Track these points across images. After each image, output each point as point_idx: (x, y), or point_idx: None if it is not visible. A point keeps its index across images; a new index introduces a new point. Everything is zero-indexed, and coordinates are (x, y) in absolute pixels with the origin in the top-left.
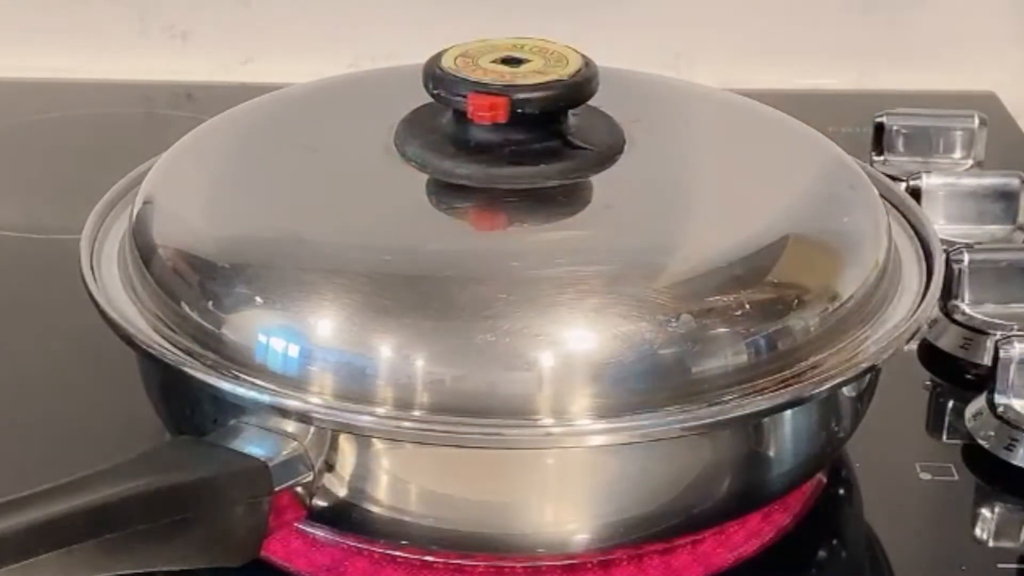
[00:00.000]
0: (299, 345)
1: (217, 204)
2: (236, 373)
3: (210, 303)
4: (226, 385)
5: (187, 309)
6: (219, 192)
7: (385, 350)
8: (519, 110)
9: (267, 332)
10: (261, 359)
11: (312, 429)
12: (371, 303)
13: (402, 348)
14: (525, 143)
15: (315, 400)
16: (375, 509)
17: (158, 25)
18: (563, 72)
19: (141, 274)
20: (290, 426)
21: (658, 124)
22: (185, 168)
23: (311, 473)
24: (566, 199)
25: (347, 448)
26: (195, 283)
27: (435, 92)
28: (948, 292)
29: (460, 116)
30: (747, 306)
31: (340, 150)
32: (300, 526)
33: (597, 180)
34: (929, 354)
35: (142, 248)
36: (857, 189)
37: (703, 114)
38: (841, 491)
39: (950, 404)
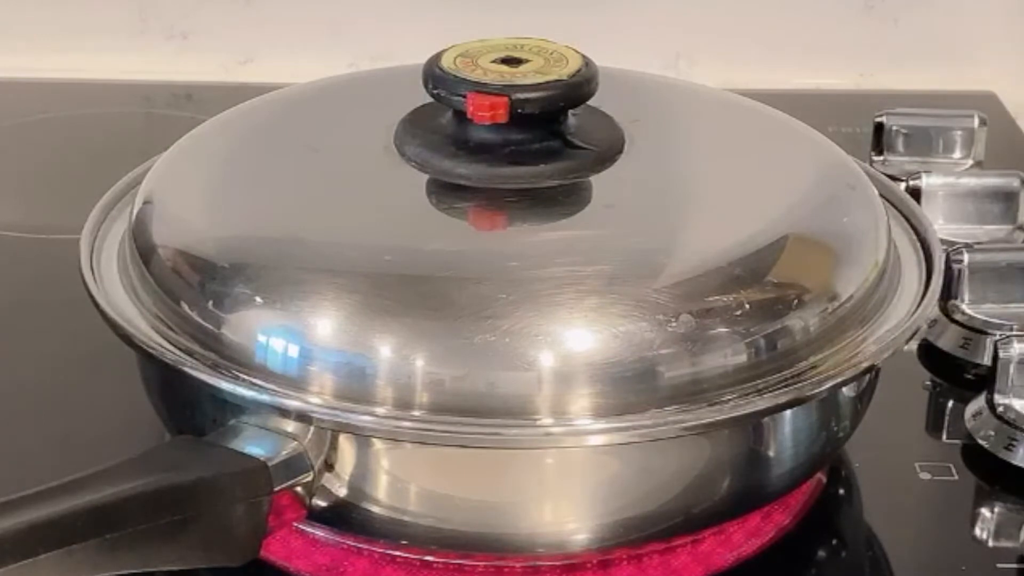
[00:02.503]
0: (299, 345)
1: (217, 204)
2: (236, 373)
3: (210, 303)
4: (225, 385)
5: (187, 309)
6: (219, 192)
7: (385, 350)
8: (519, 110)
9: (267, 332)
10: (261, 359)
11: (312, 429)
12: (371, 303)
13: (402, 348)
14: (525, 143)
15: (315, 400)
16: (375, 509)
17: (158, 25)
18: (563, 72)
19: (141, 274)
20: (290, 426)
21: (658, 124)
22: (185, 168)
23: (311, 473)
24: (566, 199)
25: (347, 448)
26: (195, 283)
27: (435, 92)
28: (948, 292)
29: (460, 116)
30: (747, 306)
31: (340, 150)
32: (300, 526)
33: (597, 180)
34: (929, 354)
35: (142, 248)
36: (857, 189)
37: (703, 114)
38: (841, 491)
39: (950, 404)
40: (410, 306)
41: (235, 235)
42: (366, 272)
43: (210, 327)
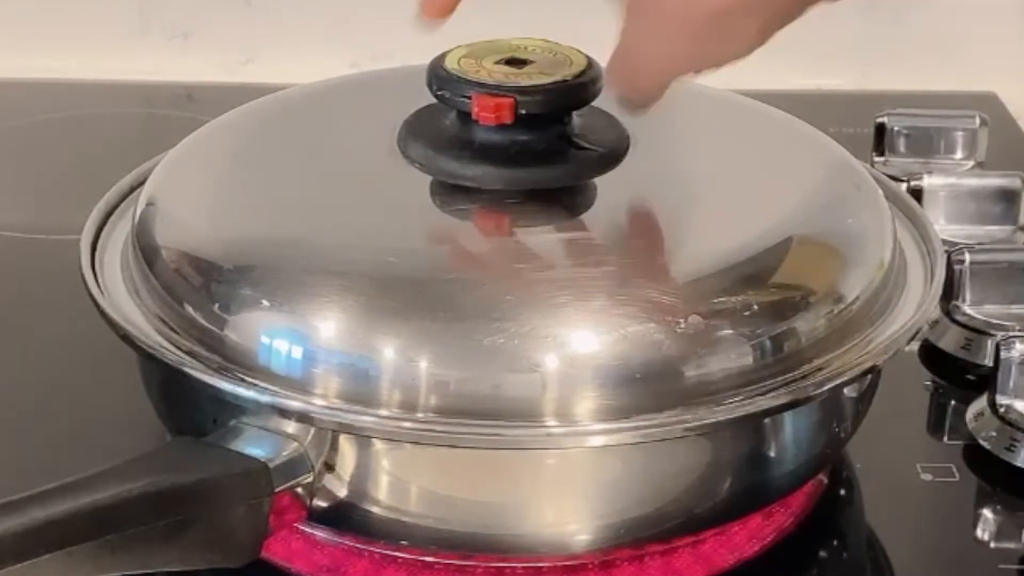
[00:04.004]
0: (303, 347)
1: (220, 206)
2: (239, 375)
3: (214, 305)
4: (226, 385)
5: (190, 311)
6: (222, 194)
7: (390, 352)
8: (524, 111)
9: (271, 334)
10: (265, 361)
11: (312, 430)
12: (375, 305)
13: (407, 351)
14: (530, 144)
15: (317, 401)
16: (375, 510)
17: (159, 25)
18: (567, 73)
19: (144, 275)
20: (290, 427)
21: (663, 125)
22: (188, 169)
23: (311, 474)
24: (571, 200)
25: (347, 449)
26: (198, 285)
27: (439, 93)
28: (949, 293)
29: (464, 117)
30: (755, 307)
31: (343, 151)
32: (300, 527)
33: (602, 181)
34: (930, 355)
35: (145, 250)
36: (862, 190)
37: (708, 115)
38: (842, 492)
39: (951, 405)
40: (415, 308)
41: (239, 237)
42: (370, 274)
43: (214, 329)
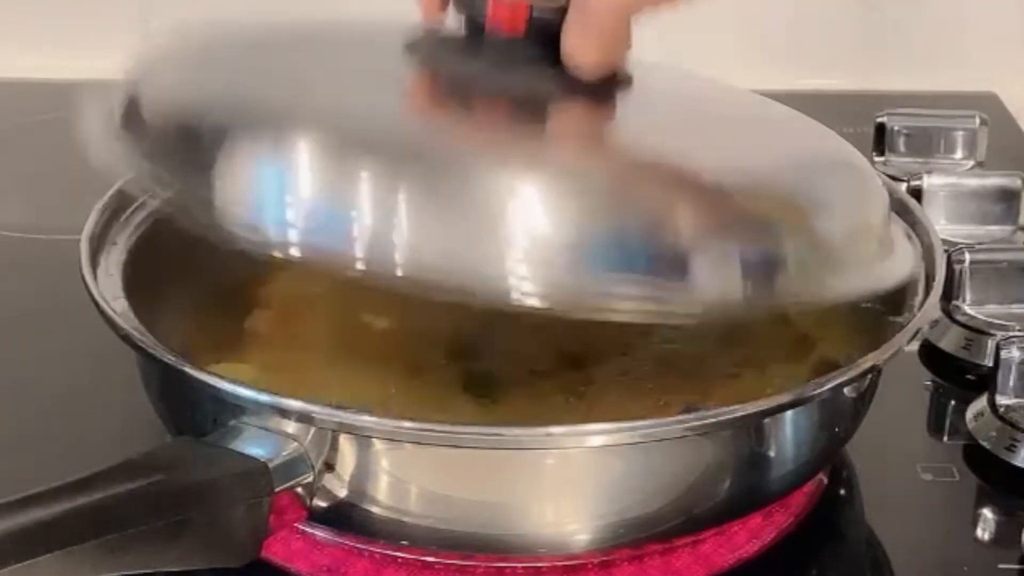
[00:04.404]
0: (287, 200)
1: (206, 74)
2: (230, 231)
3: (198, 159)
4: (226, 385)
5: (177, 167)
6: (208, 67)
7: (365, 198)
8: (537, 25)
9: (257, 189)
10: (253, 207)
11: (312, 429)
12: (353, 153)
13: (384, 197)
14: (539, 59)
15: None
16: (375, 510)
17: (159, 25)
18: None
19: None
20: (290, 427)
21: (679, 93)
22: (173, 54)
23: (311, 474)
24: (574, 115)
25: (347, 448)
26: (180, 142)
27: (456, 2)
28: (949, 293)
29: (477, 27)
30: (752, 297)
31: (350, 49)
32: (301, 527)
33: (604, 102)
34: (930, 354)
35: (131, 118)
36: (865, 188)
37: (712, 104)
38: (842, 491)
39: (951, 404)
40: (393, 159)
41: (224, 102)
42: (353, 137)
43: (200, 180)
